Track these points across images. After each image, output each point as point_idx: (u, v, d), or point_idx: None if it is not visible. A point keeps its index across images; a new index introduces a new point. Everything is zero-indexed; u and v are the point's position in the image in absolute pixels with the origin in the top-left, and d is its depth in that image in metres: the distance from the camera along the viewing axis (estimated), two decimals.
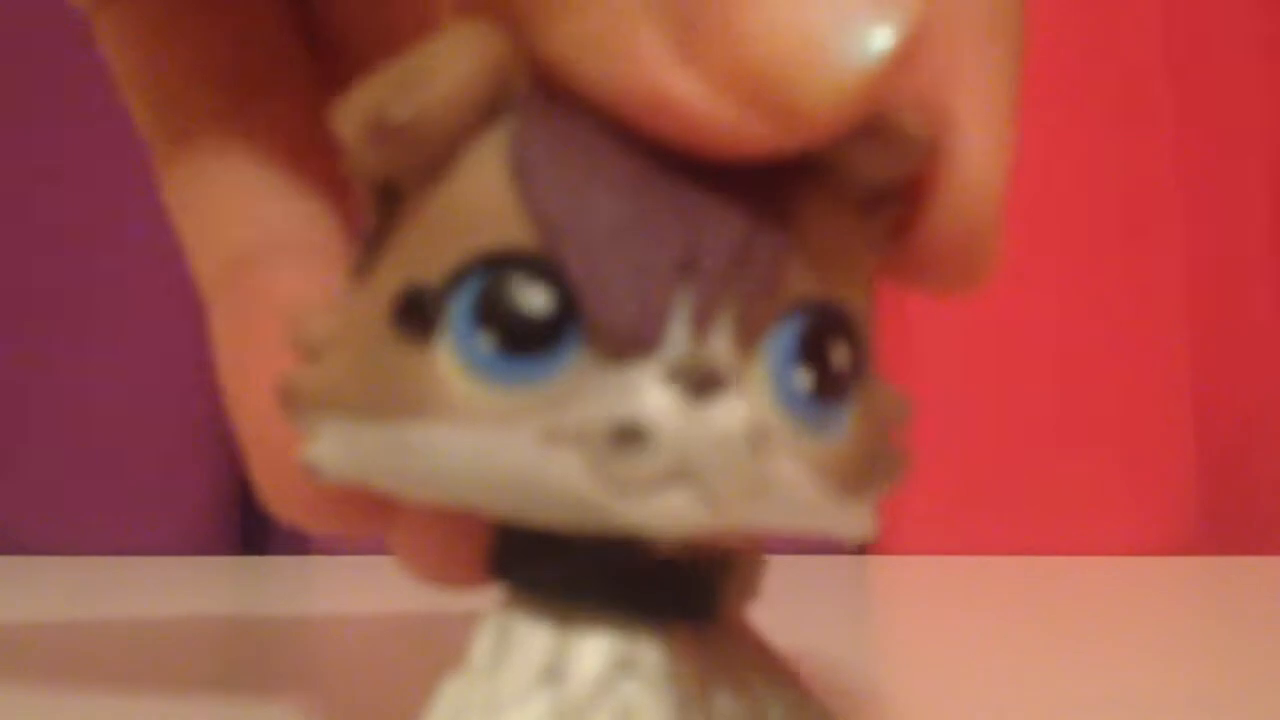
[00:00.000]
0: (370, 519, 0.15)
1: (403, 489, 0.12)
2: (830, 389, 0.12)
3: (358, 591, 0.39)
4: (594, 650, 0.12)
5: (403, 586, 0.43)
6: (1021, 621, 0.34)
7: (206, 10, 0.16)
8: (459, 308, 0.12)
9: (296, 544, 0.47)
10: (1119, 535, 0.49)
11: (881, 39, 0.11)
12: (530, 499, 0.12)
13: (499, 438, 0.11)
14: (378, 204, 0.12)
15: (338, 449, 0.12)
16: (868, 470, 0.12)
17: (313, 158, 0.16)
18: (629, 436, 0.11)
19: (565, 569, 0.12)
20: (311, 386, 0.13)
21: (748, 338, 0.12)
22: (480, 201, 0.12)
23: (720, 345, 0.11)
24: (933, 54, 0.13)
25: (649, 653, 0.12)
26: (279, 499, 0.16)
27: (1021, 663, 0.28)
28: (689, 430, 0.11)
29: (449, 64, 0.12)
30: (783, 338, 0.12)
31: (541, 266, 0.11)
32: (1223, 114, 0.51)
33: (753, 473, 0.11)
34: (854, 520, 0.12)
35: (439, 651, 0.29)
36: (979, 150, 0.13)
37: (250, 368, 0.16)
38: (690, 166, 0.11)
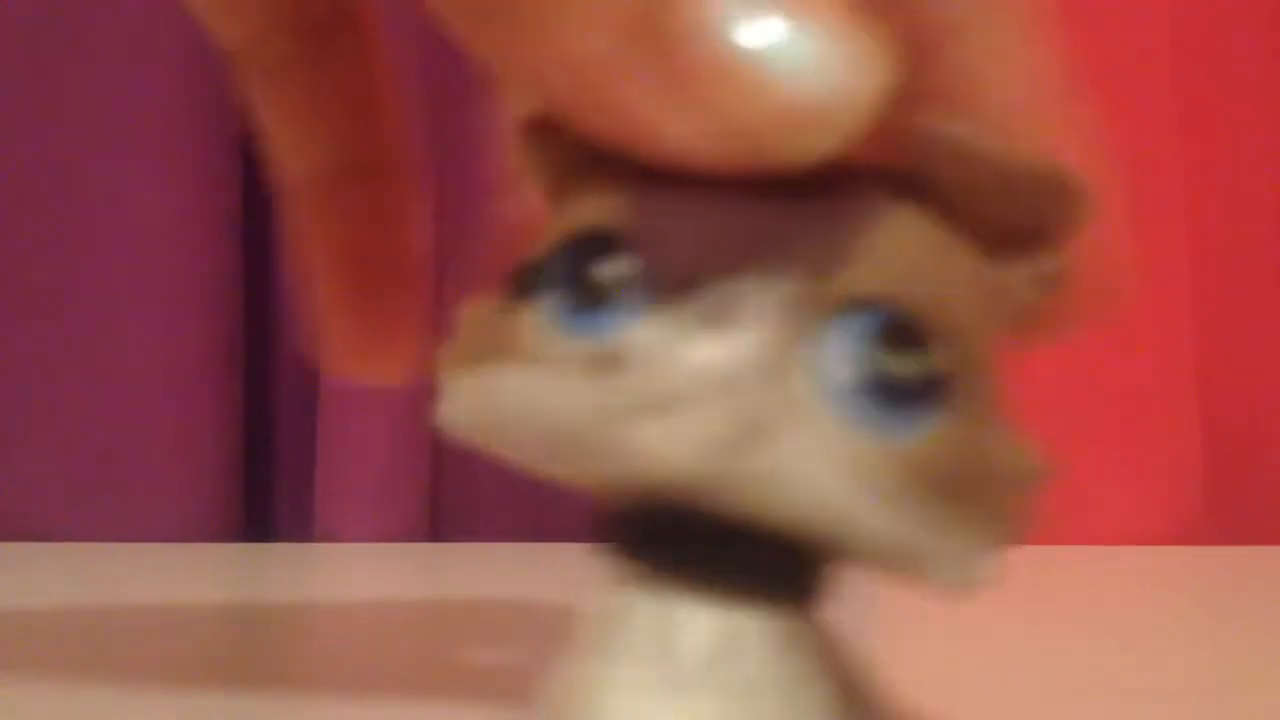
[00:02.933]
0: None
1: (480, 431, 0.13)
2: (884, 392, 0.12)
3: (358, 577, 0.39)
4: (703, 627, 0.12)
5: (402, 573, 0.43)
6: (1027, 609, 0.34)
7: None
8: (553, 274, 0.13)
9: (299, 531, 0.47)
10: (1125, 524, 0.49)
11: (852, 104, 0.12)
12: (554, 438, 0.12)
13: (549, 379, 0.12)
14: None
15: (453, 401, 0.13)
16: (933, 494, 0.12)
17: (381, 90, 0.21)
18: (607, 360, 0.12)
19: (676, 549, 0.13)
20: (448, 353, 0.13)
21: (796, 320, 0.12)
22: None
23: (749, 312, 0.12)
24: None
25: (756, 632, 0.13)
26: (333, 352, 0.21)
27: (1027, 650, 0.28)
28: (668, 358, 0.12)
29: None
30: (840, 329, 0.12)
31: (621, 242, 0.12)
32: (1228, 105, 0.51)
33: (734, 412, 0.12)
34: (900, 536, 0.12)
35: (437, 635, 0.29)
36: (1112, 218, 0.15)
37: (321, 265, 0.21)
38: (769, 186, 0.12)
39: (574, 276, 0.12)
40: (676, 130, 0.12)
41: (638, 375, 0.12)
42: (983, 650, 0.28)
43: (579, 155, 0.13)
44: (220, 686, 0.23)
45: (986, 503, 0.12)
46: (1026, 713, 0.22)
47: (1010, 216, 0.13)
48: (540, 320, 0.12)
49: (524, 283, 0.13)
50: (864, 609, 0.35)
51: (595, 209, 0.13)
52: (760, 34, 0.12)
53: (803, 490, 0.12)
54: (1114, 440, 0.49)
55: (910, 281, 0.12)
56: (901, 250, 0.12)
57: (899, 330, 0.12)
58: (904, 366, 0.12)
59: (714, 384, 0.12)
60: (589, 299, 0.12)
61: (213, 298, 0.47)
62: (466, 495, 0.48)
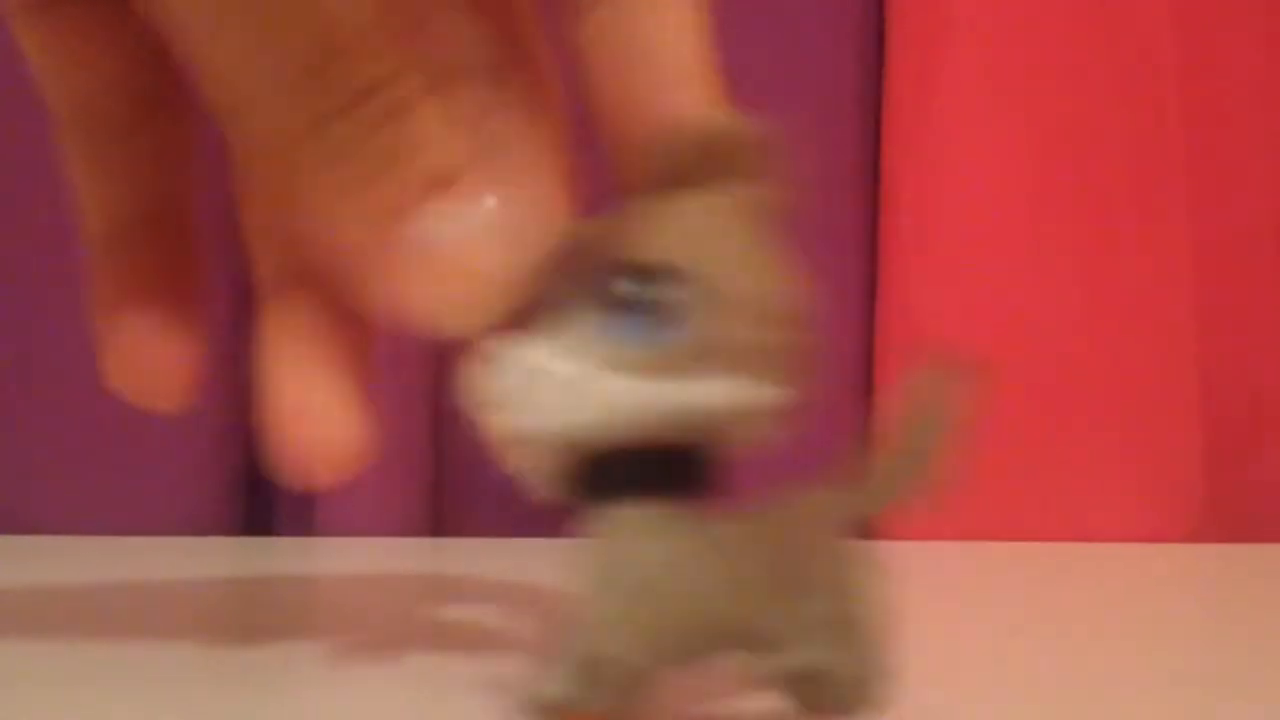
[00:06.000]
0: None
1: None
2: (645, 314, 0.19)
3: (360, 571, 0.39)
4: (606, 520, 0.19)
5: (403, 568, 0.43)
6: (1027, 607, 0.34)
7: (118, 31, 0.22)
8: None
9: (300, 526, 0.47)
10: (1125, 522, 0.49)
11: (469, 317, 0.18)
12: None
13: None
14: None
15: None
16: (700, 362, 0.19)
17: (185, 153, 0.23)
18: None
19: (612, 480, 0.19)
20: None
21: (596, 294, 0.19)
22: None
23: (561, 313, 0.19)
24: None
25: (637, 519, 0.19)
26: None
27: (1026, 648, 0.28)
28: (503, 369, 0.19)
29: None
30: (610, 286, 0.19)
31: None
32: (1230, 98, 0.51)
33: (528, 391, 0.19)
34: (694, 392, 0.19)
35: (435, 626, 0.29)
36: None
37: (115, 294, 0.24)
38: None
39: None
40: (389, 306, 0.17)
41: (492, 378, 0.19)
42: (982, 646, 0.28)
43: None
44: (220, 675, 0.23)
45: (747, 362, 0.19)
46: (1025, 707, 0.22)
47: (715, 170, 0.19)
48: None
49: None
50: None
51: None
52: (429, 233, 0.18)
53: (596, 394, 0.19)
54: (1114, 437, 0.49)
55: (645, 245, 0.19)
56: (653, 225, 0.19)
57: (642, 275, 0.19)
58: (654, 295, 0.19)
59: (534, 375, 0.19)
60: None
61: (213, 288, 0.47)
62: (468, 490, 0.48)
